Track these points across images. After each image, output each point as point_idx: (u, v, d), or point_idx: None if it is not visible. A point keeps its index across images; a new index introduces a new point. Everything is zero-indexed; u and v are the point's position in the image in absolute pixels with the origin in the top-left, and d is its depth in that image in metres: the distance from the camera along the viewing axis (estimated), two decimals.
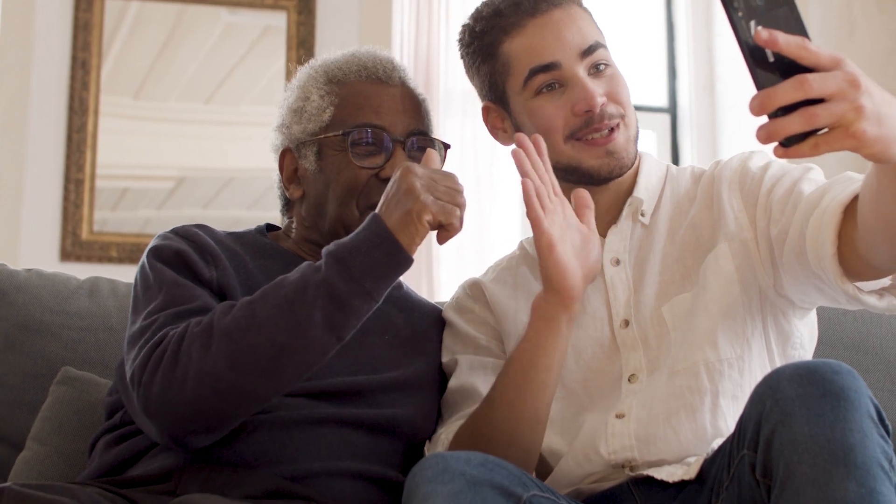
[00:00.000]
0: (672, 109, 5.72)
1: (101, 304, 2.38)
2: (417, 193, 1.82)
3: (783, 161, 2.01)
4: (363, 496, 1.96)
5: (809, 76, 1.34)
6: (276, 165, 2.22)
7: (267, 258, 2.12)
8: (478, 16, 2.15)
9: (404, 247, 1.81)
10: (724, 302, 1.97)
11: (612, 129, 2.04)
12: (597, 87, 2.03)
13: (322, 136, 2.13)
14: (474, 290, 2.23)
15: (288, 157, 2.19)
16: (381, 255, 1.80)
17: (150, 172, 4.75)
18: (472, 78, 2.20)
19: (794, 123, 1.34)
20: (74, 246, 4.57)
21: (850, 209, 1.75)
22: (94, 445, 2.05)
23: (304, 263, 1.86)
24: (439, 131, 5.05)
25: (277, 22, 4.94)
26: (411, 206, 1.81)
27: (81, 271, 2.62)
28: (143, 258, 2.04)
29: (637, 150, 2.09)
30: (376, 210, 1.86)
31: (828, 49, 1.38)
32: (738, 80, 5.32)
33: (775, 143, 1.38)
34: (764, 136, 1.36)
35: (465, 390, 2.09)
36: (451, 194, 1.86)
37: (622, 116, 2.05)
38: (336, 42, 4.89)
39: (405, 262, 1.82)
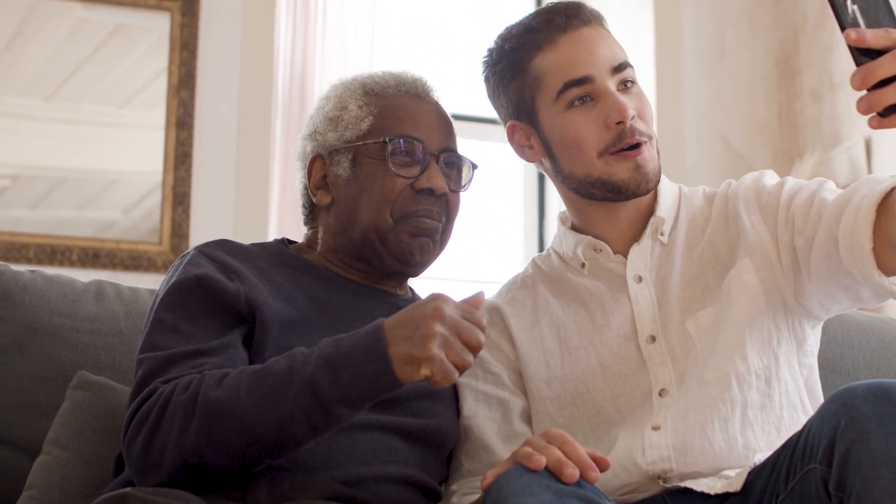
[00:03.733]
0: None
1: (108, 308, 2.36)
2: (430, 345, 1.75)
3: (794, 178, 2.14)
4: (409, 501, 2.01)
5: None
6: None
7: (293, 269, 2.16)
8: (507, 35, 2.21)
9: (396, 375, 1.77)
10: (750, 314, 2.06)
11: (640, 144, 2.11)
12: (627, 101, 2.11)
13: (360, 143, 2.17)
14: (493, 314, 2.27)
15: (318, 164, 2.22)
16: (371, 372, 1.77)
17: None
18: (497, 97, 2.25)
19: (892, 94, 1.52)
20: None
21: (882, 206, 1.88)
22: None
23: (297, 350, 1.84)
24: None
25: (131, 20, 4.87)
26: (418, 353, 1.75)
27: None
28: (167, 285, 2.05)
29: (660, 170, 2.18)
30: (388, 320, 1.82)
31: None
32: None
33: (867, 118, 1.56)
34: (865, 107, 1.54)
35: (468, 429, 2.16)
36: (462, 356, 1.77)
37: (649, 136, 2.13)
38: (219, 46, 4.91)
39: (393, 387, 1.79)
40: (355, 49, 5.27)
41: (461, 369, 1.77)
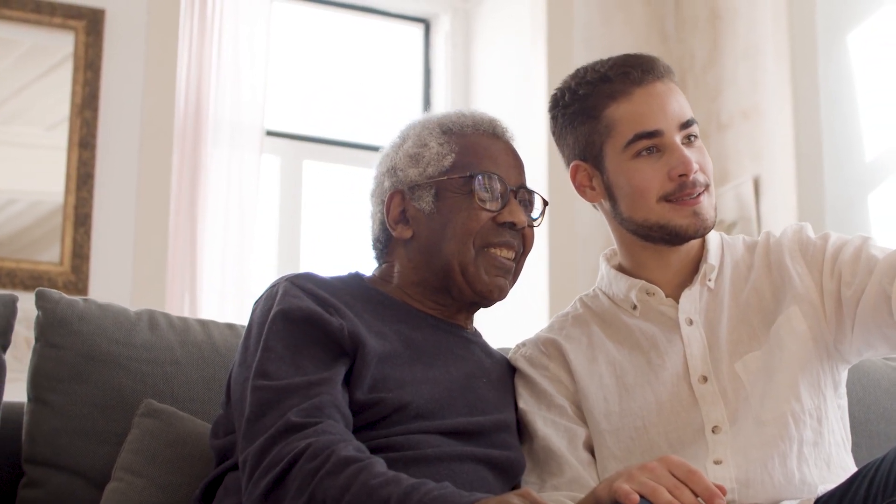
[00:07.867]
0: None
1: (163, 338, 2.38)
2: None
3: (835, 232, 2.30)
4: None
5: None
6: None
7: (376, 304, 2.23)
8: (580, 80, 2.32)
9: None
10: (801, 358, 2.22)
11: (699, 194, 2.25)
12: (691, 155, 2.25)
13: (443, 178, 2.26)
14: (550, 347, 2.37)
15: (396, 200, 2.30)
16: None
17: None
18: (564, 137, 2.36)
19: None
20: None
21: None
22: (212, 486, 2.09)
23: (402, 482, 1.81)
24: (208, 160, 5.12)
25: (7, 34, 4.82)
26: None
27: None
28: (271, 316, 2.09)
29: (716, 216, 2.31)
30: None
31: None
32: None
33: None
34: None
35: (547, 449, 2.25)
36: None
37: (707, 185, 2.28)
38: (123, 65, 4.88)
39: None
40: (249, 71, 5.31)
41: None
